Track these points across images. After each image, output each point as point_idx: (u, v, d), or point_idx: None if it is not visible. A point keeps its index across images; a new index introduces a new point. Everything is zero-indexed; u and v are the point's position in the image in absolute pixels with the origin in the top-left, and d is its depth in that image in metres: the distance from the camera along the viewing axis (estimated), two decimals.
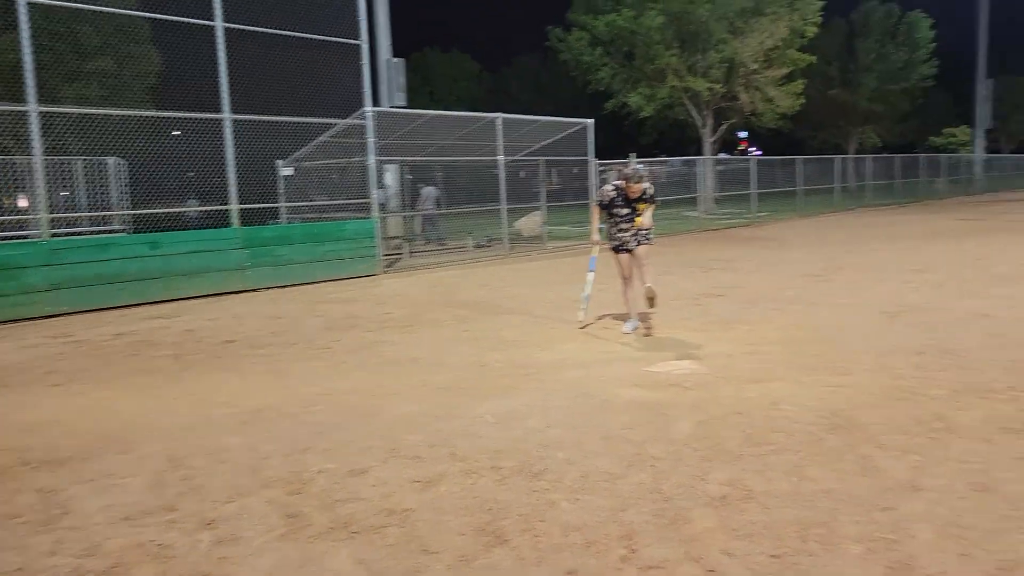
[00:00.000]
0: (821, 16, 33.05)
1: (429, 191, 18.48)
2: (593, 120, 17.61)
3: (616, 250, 7.41)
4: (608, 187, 7.33)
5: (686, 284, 10.58)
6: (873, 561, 2.86)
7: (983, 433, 4.14)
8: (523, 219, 19.03)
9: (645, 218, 7.15)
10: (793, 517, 3.24)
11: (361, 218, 13.05)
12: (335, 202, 13.67)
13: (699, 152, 34.29)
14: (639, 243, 7.26)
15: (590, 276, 7.70)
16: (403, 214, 17.81)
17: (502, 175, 15.36)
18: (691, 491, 3.55)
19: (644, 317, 7.44)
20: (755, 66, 30.93)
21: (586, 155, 17.49)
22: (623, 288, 7.52)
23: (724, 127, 34.95)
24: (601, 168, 18.54)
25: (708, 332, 7.20)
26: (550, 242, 17.70)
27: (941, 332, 6.75)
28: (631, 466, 3.88)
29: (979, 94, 43.05)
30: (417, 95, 47.47)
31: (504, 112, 15.90)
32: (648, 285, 7.07)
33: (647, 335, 7.13)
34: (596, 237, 7.67)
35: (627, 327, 7.35)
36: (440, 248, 17.62)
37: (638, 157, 19.57)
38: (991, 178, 43.27)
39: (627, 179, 7.07)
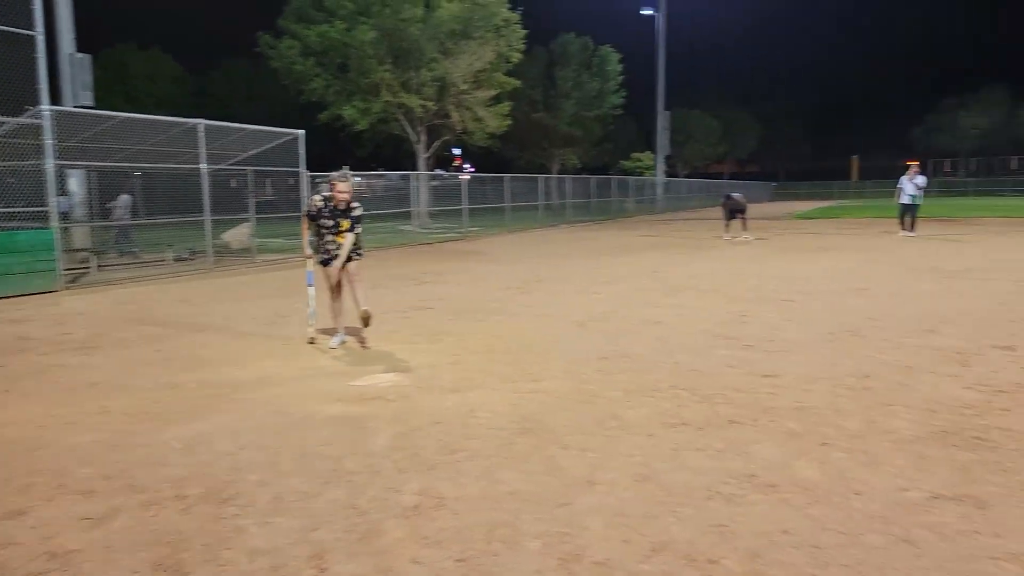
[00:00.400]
0: (524, 43, 35.14)
1: (124, 199, 17.02)
2: (304, 131, 17.28)
3: (324, 263, 7.23)
4: (316, 197, 7.14)
5: (397, 297, 10.69)
6: (549, 555, 3.05)
7: (647, 428, 4.60)
8: (231, 231, 18.17)
9: (346, 243, 7.01)
10: (481, 520, 3.38)
11: (37, 228, 11.70)
12: (6, 210, 12.12)
13: (414, 167, 34.92)
14: (349, 258, 7.16)
15: (311, 291, 7.51)
16: (91, 224, 16.25)
17: (205, 184, 14.56)
18: (385, 503, 3.57)
19: (355, 331, 7.40)
20: (465, 86, 32.13)
21: (298, 166, 17.11)
22: (330, 301, 7.37)
23: (438, 143, 35.89)
24: (317, 180, 18.21)
25: (414, 344, 7.32)
26: (260, 255, 17.05)
27: (621, 339, 7.41)
28: (327, 483, 3.83)
29: (659, 124, 48.11)
30: (110, 95, 43.54)
31: (212, 118, 15.07)
32: (364, 308, 7.01)
33: (364, 348, 7.09)
34: (308, 251, 7.43)
35: (334, 341, 7.26)
36: (135, 262, 16.28)
37: (354, 170, 19.49)
38: (670, 199, 48.56)
39: (333, 183, 6.94)
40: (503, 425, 4.72)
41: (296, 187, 18.27)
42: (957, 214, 31.88)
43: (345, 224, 7.03)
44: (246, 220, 17.73)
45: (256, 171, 17.70)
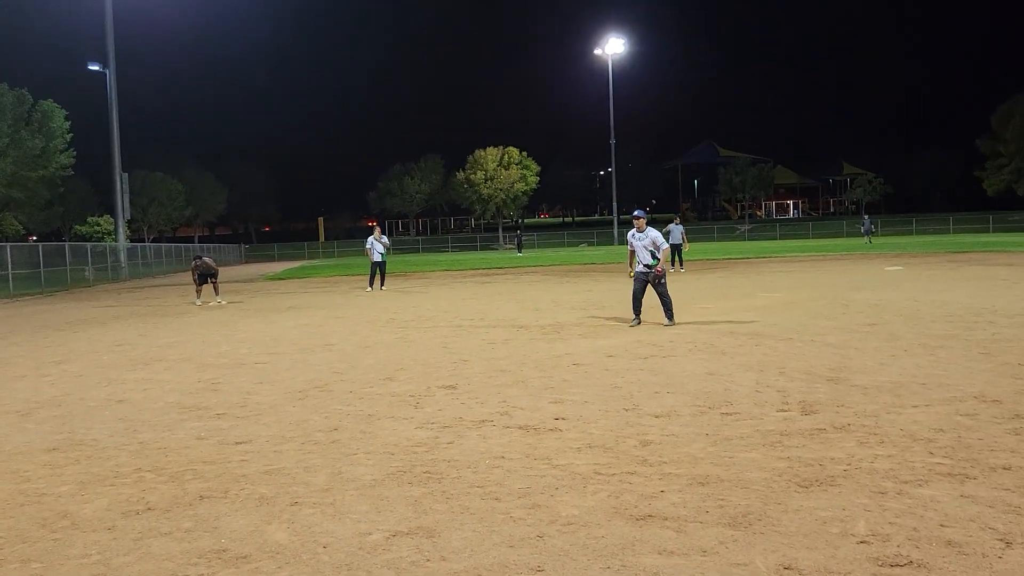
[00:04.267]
0: None
1: None
2: None
3: None
4: None
5: None
6: None
7: (106, 521, 4.21)
8: None
9: None
10: None
11: None
12: None
13: None
14: None
15: None
16: None
17: None
18: None
19: None
20: None
21: None
22: None
23: None
24: None
25: None
26: None
27: (76, 423, 6.69)
28: None
29: (117, 187, 44.95)
30: None
31: None
32: None
33: None
34: None
35: None
36: None
37: None
38: (135, 265, 45.56)
39: None
40: None
41: None
42: (409, 269, 35.63)
43: None
44: None
45: None
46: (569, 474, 4.69)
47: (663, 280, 11.45)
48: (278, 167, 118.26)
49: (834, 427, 5.52)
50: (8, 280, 29.41)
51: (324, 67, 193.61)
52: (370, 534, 3.87)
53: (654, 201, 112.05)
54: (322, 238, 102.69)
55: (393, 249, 40.86)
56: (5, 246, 31.25)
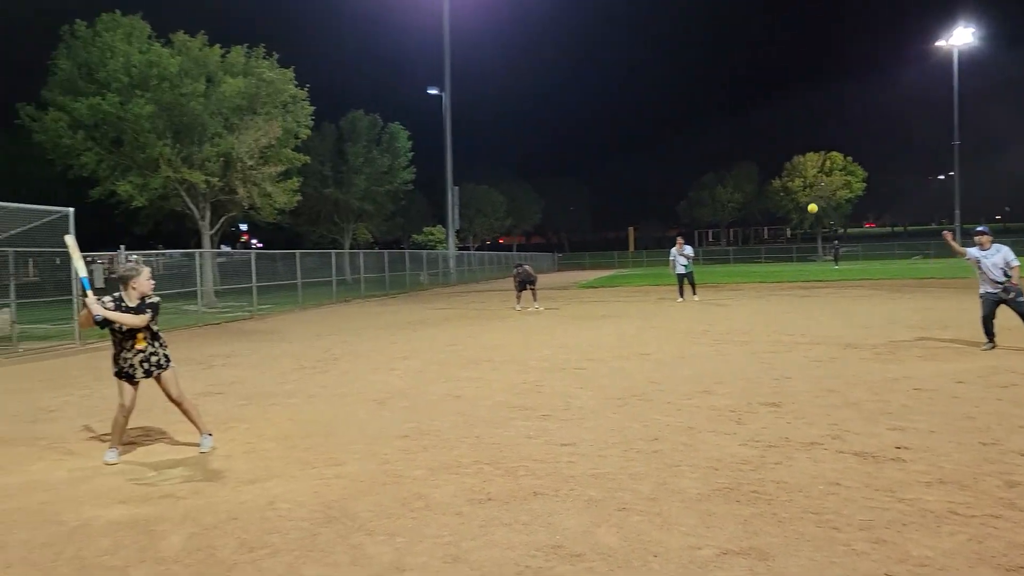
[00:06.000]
0: (313, 120, 34.99)
1: None
2: (73, 209, 16.07)
3: (120, 375, 6.14)
4: (107, 300, 5.94)
5: (183, 383, 10.05)
6: None
7: (454, 507, 4.60)
8: None
9: (140, 345, 6.04)
10: None
11: None
12: None
13: (199, 244, 33.35)
14: (156, 369, 6.19)
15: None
16: None
17: None
18: None
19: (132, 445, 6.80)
20: (251, 162, 31.31)
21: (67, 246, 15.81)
22: (120, 417, 6.11)
23: (224, 220, 34.59)
24: (88, 260, 16.93)
25: None
26: (22, 343, 15.50)
27: (421, 414, 7.41)
28: None
29: (449, 199, 49.29)
30: None
31: None
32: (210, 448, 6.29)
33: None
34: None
35: (109, 455, 6.09)
36: None
37: (132, 249, 18.34)
38: (462, 271, 49.58)
39: (124, 281, 5.96)
40: (305, 516, 4.55)
41: (65, 267, 16.86)
42: (721, 280, 34.89)
43: (140, 323, 5.99)
44: (5, 305, 16.11)
45: (17, 252, 16.22)
46: (918, 510, 4.29)
47: (1021, 296, 10.18)
48: (590, 178, 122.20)
49: None
50: (360, 283, 33.44)
51: (634, 79, 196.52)
52: (700, 549, 3.84)
53: (1007, 208, 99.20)
54: (632, 247, 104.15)
55: (702, 259, 40.37)
56: (359, 253, 35.52)
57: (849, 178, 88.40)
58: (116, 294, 6.03)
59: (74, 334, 15.88)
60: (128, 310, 5.95)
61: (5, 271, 16.55)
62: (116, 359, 6.16)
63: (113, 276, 5.72)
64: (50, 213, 15.63)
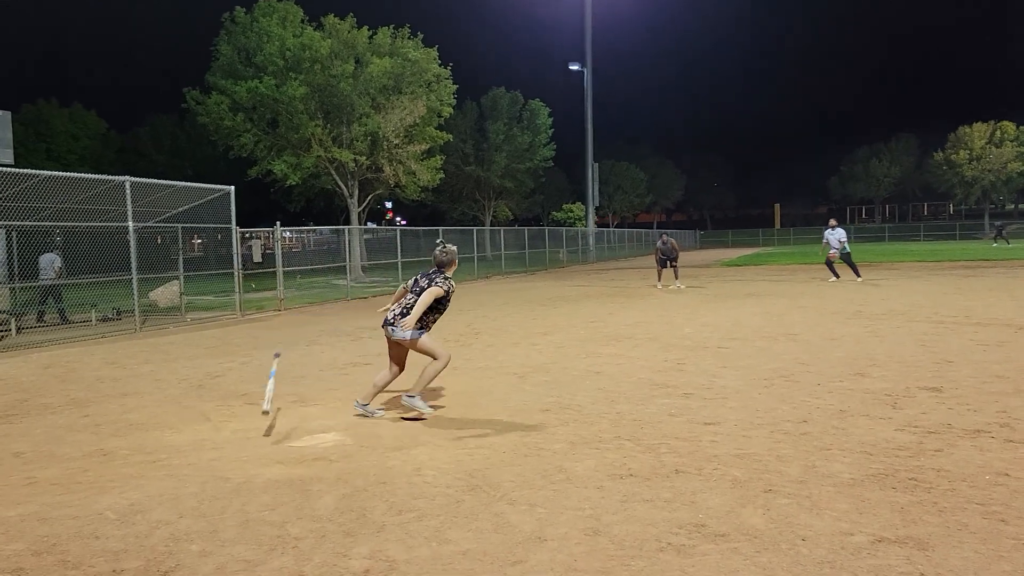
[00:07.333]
0: (455, 98, 35.63)
1: (48, 259, 16.43)
2: (234, 187, 17.06)
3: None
4: (446, 285, 6.37)
5: (334, 353, 10.55)
6: None
7: (595, 481, 4.60)
8: (159, 289, 17.73)
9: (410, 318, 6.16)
10: None
11: None
12: None
13: (347, 221, 34.74)
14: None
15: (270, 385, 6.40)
16: (10, 285, 15.66)
17: (132, 242, 14.21)
18: (333, 569, 3.48)
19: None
20: (397, 140, 32.27)
21: (229, 222, 16.85)
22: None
23: (371, 197, 35.85)
24: (247, 235, 17.96)
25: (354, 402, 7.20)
26: (189, 313, 16.66)
27: (562, 389, 7.44)
28: (272, 550, 3.71)
29: (589, 176, 49.07)
30: (31, 153, 42.43)
31: (137, 175, 14.76)
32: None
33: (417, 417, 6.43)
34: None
35: (422, 406, 6.41)
36: (59, 324, 15.72)
37: (285, 225, 19.30)
38: (601, 249, 49.35)
39: (441, 265, 6.44)
40: (449, 482, 4.67)
41: (226, 242, 17.95)
42: (876, 259, 33.12)
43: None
44: (174, 278, 17.34)
45: (185, 228, 17.40)
46: None
47: None
48: (734, 154, 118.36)
49: None
50: (501, 259, 33.89)
51: (785, 49, 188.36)
52: (852, 535, 3.68)
53: None
54: (777, 224, 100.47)
55: (854, 236, 38.43)
56: (500, 230, 35.99)
57: (1022, 149, 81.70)
58: (446, 275, 6.49)
59: (235, 305, 16.91)
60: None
61: (174, 246, 17.81)
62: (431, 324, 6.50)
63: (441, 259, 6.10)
64: (214, 191, 16.66)
